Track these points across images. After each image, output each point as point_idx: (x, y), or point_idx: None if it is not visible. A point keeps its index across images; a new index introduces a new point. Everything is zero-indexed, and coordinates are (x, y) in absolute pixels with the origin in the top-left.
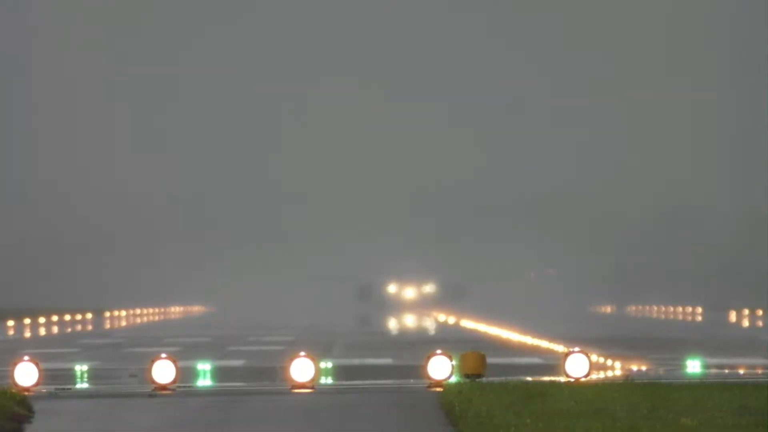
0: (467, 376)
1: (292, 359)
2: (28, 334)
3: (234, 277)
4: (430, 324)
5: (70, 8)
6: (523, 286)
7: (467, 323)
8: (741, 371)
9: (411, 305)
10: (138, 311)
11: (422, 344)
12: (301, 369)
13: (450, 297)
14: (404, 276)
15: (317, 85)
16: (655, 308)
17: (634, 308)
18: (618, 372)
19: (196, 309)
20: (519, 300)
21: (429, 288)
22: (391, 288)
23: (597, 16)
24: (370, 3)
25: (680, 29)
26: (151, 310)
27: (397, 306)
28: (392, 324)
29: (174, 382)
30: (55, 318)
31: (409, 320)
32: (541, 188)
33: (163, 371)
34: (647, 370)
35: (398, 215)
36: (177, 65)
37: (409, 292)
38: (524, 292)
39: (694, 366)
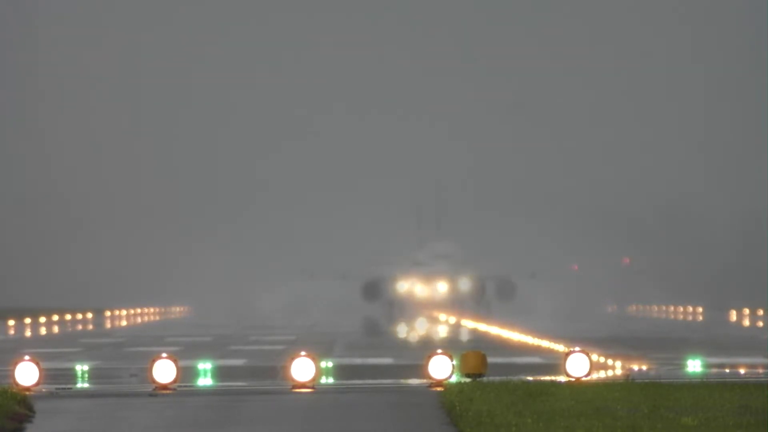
0: (468, 375)
1: (292, 359)
2: (28, 333)
3: (219, 274)
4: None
5: (69, 8)
6: (551, 284)
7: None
8: (741, 371)
9: (432, 306)
10: (139, 310)
11: (423, 343)
12: (302, 368)
13: (486, 296)
14: (422, 269)
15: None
16: (656, 308)
17: (635, 308)
18: (618, 371)
19: (187, 309)
20: (551, 300)
21: (459, 284)
22: (412, 283)
23: (597, 17)
24: (370, 4)
25: (681, 29)
26: (151, 310)
27: (414, 307)
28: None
29: (175, 381)
30: (55, 317)
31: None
32: (541, 188)
33: (164, 371)
34: (648, 369)
35: (405, 203)
36: (177, 67)
37: (438, 289)
38: (554, 290)
39: (694, 365)
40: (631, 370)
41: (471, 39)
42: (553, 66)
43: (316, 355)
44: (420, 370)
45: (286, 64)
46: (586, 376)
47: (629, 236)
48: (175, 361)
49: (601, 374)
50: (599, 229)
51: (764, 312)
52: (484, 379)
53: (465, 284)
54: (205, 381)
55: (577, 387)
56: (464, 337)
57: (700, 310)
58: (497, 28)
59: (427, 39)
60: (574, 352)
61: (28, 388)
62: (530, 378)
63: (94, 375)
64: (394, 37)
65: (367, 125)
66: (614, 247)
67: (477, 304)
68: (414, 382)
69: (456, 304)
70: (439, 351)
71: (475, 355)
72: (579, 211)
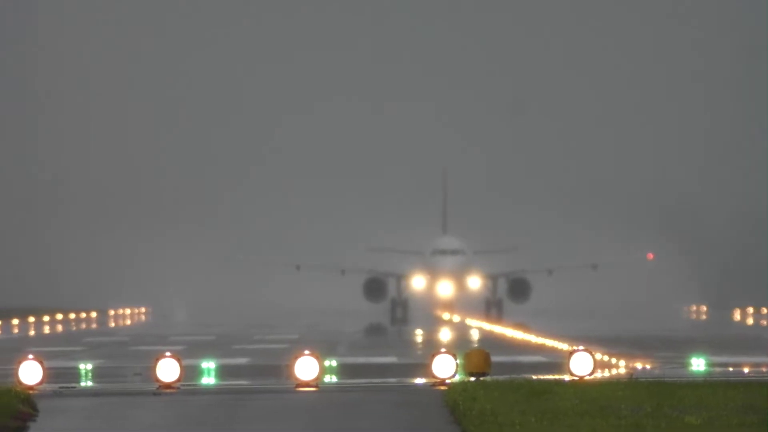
0: (472, 374)
1: (296, 357)
2: (32, 332)
3: (201, 267)
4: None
5: (69, 9)
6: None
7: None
8: (745, 369)
9: (439, 306)
10: (143, 309)
11: (427, 342)
12: (306, 367)
13: (498, 295)
14: (430, 266)
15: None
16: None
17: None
18: (622, 370)
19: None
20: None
21: (468, 282)
22: (417, 282)
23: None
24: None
25: (678, 26)
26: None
27: (426, 308)
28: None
29: (178, 380)
30: (59, 316)
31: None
32: (556, 181)
33: (168, 369)
34: (651, 368)
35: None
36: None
37: (445, 288)
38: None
39: (698, 364)
40: (634, 368)
41: (479, 30)
42: (560, 61)
43: (320, 354)
44: (424, 368)
45: (282, 57)
46: (590, 374)
47: (643, 232)
48: (178, 360)
49: (605, 373)
50: (617, 223)
51: None
52: (488, 377)
53: (474, 282)
54: (208, 380)
55: (580, 386)
56: (469, 336)
57: (705, 308)
58: (507, 19)
59: (432, 29)
60: (577, 350)
61: (31, 387)
62: (534, 377)
63: (97, 374)
64: (397, 26)
65: (372, 110)
66: (632, 242)
67: (487, 303)
68: (418, 380)
69: (465, 303)
70: (443, 350)
71: (478, 353)
72: (595, 205)
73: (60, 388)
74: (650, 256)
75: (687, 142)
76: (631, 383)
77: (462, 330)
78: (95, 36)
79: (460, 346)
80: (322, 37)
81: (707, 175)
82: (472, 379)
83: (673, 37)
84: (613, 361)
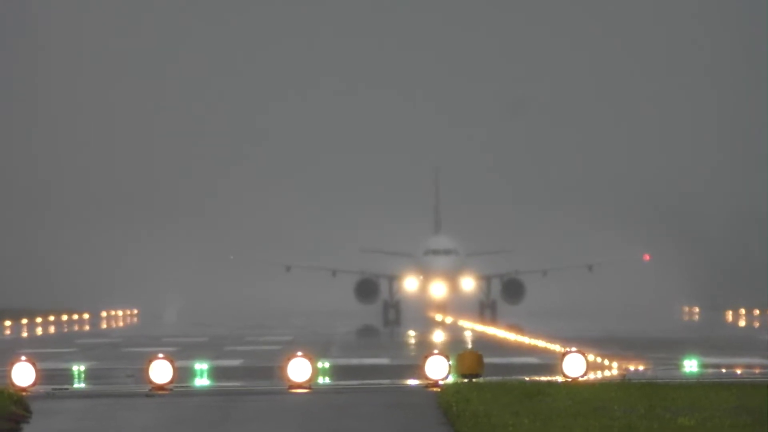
0: (464, 376)
1: (289, 359)
2: (25, 334)
3: (194, 268)
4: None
5: (70, 10)
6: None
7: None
8: (738, 371)
9: (432, 308)
10: (135, 311)
11: (420, 343)
12: (299, 369)
13: (491, 296)
14: (422, 266)
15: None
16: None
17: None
18: (615, 371)
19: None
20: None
21: (461, 283)
22: (410, 283)
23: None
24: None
25: (679, 27)
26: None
27: (419, 309)
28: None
29: (171, 381)
30: (52, 318)
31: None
32: (550, 180)
33: (161, 371)
34: (644, 369)
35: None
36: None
37: (438, 289)
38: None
39: (691, 366)
40: (627, 370)
41: (479, 29)
42: (560, 61)
43: (313, 356)
44: (417, 370)
45: (278, 57)
46: (583, 376)
47: (642, 232)
48: (171, 362)
49: (598, 374)
50: (613, 224)
51: (760, 312)
52: (481, 379)
53: (468, 284)
54: (201, 381)
55: (573, 387)
56: (462, 337)
57: (697, 309)
58: (506, 19)
59: (430, 26)
60: (570, 352)
61: (24, 389)
62: (527, 378)
63: (90, 375)
64: (395, 24)
65: (364, 109)
66: (631, 243)
67: (481, 305)
68: (410, 382)
69: (459, 305)
70: (436, 351)
71: (471, 355)
72: (595, 205)
73: (53, 389)
74: (646, 257)
75: (686, 143)
76: (624, 384)
77: (455, 331)
78: (87, 35)
79: (453, 347)
80: (318, 37)
81: (707, 175)
82: (465, 380)
83: (674, 38)
84: (606, 362)
